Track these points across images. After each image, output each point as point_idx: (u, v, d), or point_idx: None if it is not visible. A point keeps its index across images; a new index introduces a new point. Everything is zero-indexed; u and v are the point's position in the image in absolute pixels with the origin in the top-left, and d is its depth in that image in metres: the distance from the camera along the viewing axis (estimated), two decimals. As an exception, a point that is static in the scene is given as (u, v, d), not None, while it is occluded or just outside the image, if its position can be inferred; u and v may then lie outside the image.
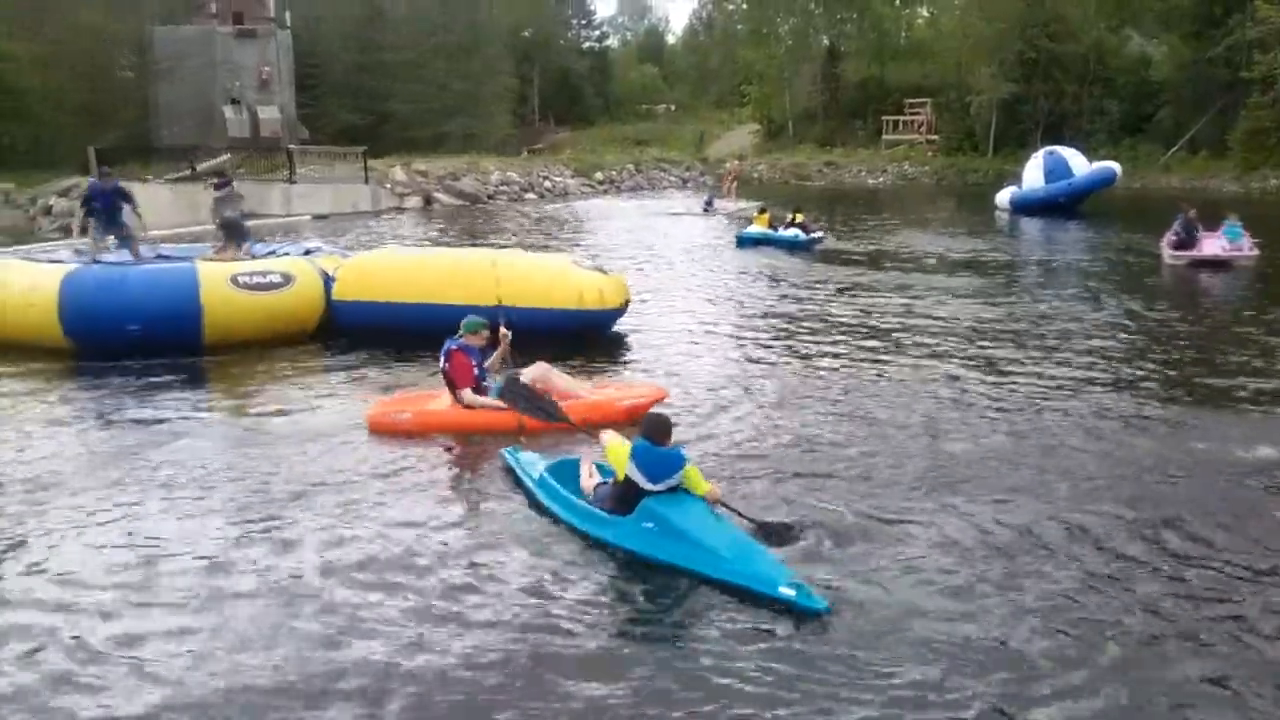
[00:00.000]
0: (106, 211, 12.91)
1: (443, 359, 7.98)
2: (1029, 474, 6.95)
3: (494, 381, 8.04)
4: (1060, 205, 28.87)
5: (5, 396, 9.27)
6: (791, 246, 20.93)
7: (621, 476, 5.72)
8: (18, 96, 42.08)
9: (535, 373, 8.07)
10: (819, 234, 22.19)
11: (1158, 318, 13.12)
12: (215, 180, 14.02)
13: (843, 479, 6.87)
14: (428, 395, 8.51)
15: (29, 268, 10.98)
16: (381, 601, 5.16)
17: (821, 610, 4.86)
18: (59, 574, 5.54)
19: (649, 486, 5.61)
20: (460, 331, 8.06)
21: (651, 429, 5.72)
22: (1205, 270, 16.79)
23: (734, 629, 4.87)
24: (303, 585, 5.38)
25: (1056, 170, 29.20)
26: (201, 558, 5.72)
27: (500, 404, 7.63)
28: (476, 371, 8.00)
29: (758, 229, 21.98)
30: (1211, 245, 17.03)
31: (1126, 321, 12.79)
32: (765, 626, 4.87)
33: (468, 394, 7.95)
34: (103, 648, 4.76)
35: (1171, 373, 10.05)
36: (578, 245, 22.07)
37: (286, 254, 12.33)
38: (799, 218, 21.92)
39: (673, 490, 5.62)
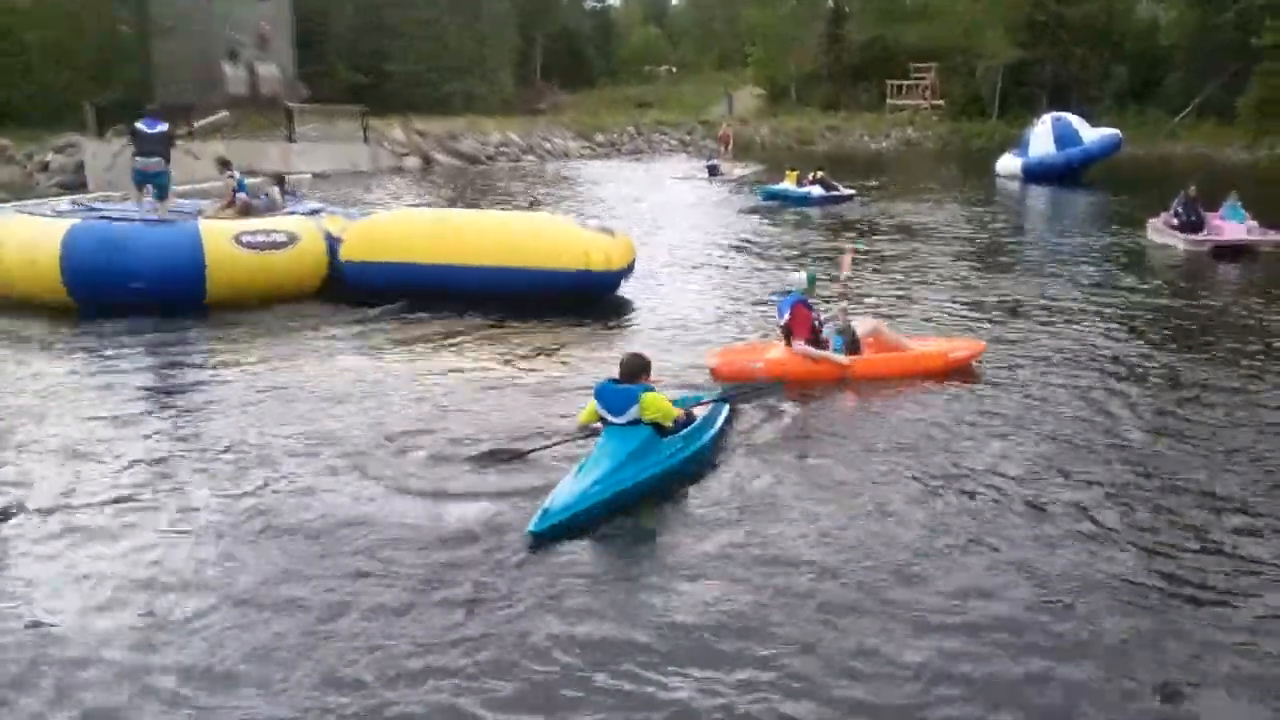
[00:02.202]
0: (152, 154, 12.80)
1: (784, 311, 8.34)
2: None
3: (833, 335, 8.46)
4: (1071, 172, 28.62)
5: (6, 349, 9.21)
6: (805, 201, 21.96)
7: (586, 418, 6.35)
8: (16, 53, 41.70)
9: (868, 327, 8.64)
10: (848, 192, 23.00)
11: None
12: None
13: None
14: (767, 345, 8.81)
15: (31, 222, 10.88)
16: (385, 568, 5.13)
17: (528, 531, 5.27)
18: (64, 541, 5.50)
19: (612, 420, 6.10)
20: (801, 285, 8.43)
21: (621, 368, 6.26)
22: (1226, 256, 15.29)
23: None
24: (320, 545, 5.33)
25: (1066, 136, 28.83)
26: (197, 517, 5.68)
27: (829, 355, 8.30)
28: (816, 323, 8.39)
29: (782, 185, 23.09)
30: (1235, 229, 15.74)
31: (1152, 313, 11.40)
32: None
33: (800, 344, 8.29)
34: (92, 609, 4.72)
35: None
36: (578, 207, 21.96)
37: (292, 213, 12.20)
38: (819, 175, 22.94)
39: (633, 423, 6.05)
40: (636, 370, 6.23)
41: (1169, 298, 12.33)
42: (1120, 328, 10.45)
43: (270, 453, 6.67)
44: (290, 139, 33.15)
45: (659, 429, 6.15)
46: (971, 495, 6.00)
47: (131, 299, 10.06)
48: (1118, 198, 24.69)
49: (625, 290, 12.06)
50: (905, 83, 53.80)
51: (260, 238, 10.71)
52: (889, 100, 53.82)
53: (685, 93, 63.06)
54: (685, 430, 6.38)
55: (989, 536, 5.44)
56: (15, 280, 10.46)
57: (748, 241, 17.14)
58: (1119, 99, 44.15)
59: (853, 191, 23.54)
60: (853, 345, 8.44)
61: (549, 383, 8.35)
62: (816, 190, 22.63)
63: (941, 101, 51.68)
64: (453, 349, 9.50)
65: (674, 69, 72.07)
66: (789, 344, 8.38)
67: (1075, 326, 10.44)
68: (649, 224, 18.75)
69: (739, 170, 31.77)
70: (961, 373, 8.48)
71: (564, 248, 11.22)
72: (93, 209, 12.31)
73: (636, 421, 6.06)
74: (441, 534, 5.44)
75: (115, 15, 47.97)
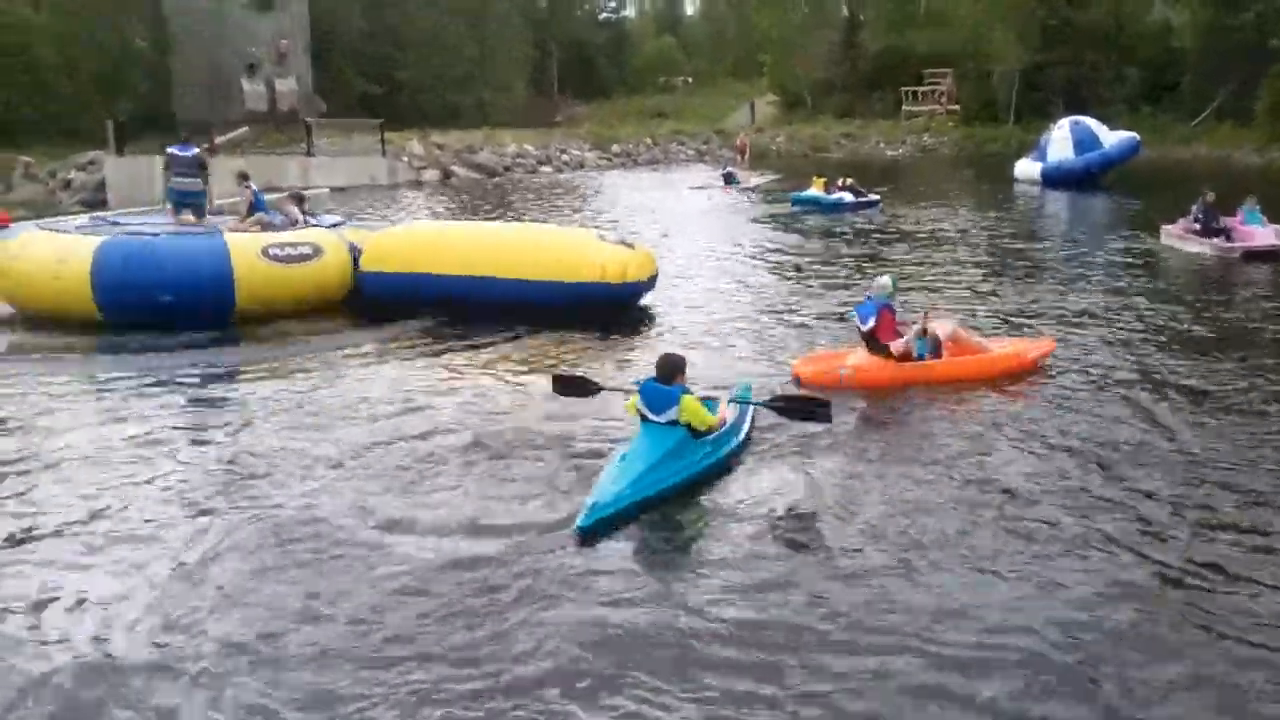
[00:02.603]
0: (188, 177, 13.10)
1: (869, 318, 8.41)
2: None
3: (915, 340, 8.53)
4: (1090, 177, 28.52)
5: (38, 365, 9.38)
6: (840, 208, 22.40)
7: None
8: (37, 70, 42.14)
9: (947, 330, 8.71)
10: (874, 198, 23.50)
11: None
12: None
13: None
14: (845, 353, 8.89)
15: (61, 239, 11.03)
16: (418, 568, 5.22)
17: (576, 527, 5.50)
18: (99, 545, 5.63)
19: (652, 417, 6.33)
20: (886, 290, 8.54)
21: (658, 368, 6.45)
22: (1255, 260, 14.90)
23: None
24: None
25: (1085, 141, 28.69)
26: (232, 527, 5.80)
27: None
28: (898, 329, 8.53)
29: (812, 192, 23.41)
30: (1265, 234, 15.34)
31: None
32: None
33: (900, 345, 8.42)
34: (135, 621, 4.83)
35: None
36: (595, 218, 22.09)
37: (315, 225, 12.38)
38: (848, 181, 23.53)
39: (671, 422, 6.28)
40: (672, 370, 6.43)
41: (1206, 304, 12.09)
42: (1158, 335, 10.30)
43: (298, 461, 6.79)
44: (309, 154, 33.37)
45: (692, 431, 6.37)
46: (1007, 505, 6.00)
47: (160, 313, 10.23)
48: (1137, 202, 24.54)
49: (647, 300, 12.10)
50: (920, 89, 53.79)
51: (287, 250, 10.88)
52: (904, 107, 53.80)
53: (701, 103, 63.21)
54: (717, 434, 6.58)
55: (1018, 552, 5.38)
56: (46, 295, 10.62)
57: (768, 249, 17.23)
58: (1132, 103, 43.93)
59: (878, 196, 23.86)
60: (935, 350, 8.58)
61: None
62: (848, 196, 23.08)
63: (956, 107, 51.63)
64: (474, 359, 9.61)
65: (689, 79, 72.22)
66: (870, 350, 8.48)
67: (1112, 334, 10.32)
68: (666, 233, 18.86)
69: (755, 179, 31.86)
70: (1013, 379, 8.54)
71: (582, 260, 11.32)
72: (115, 223, 12.51)
73: (674, 422, 6.30)
74: (473, 540, 5.54)
75: (131, 32, 48.52)
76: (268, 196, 13.60)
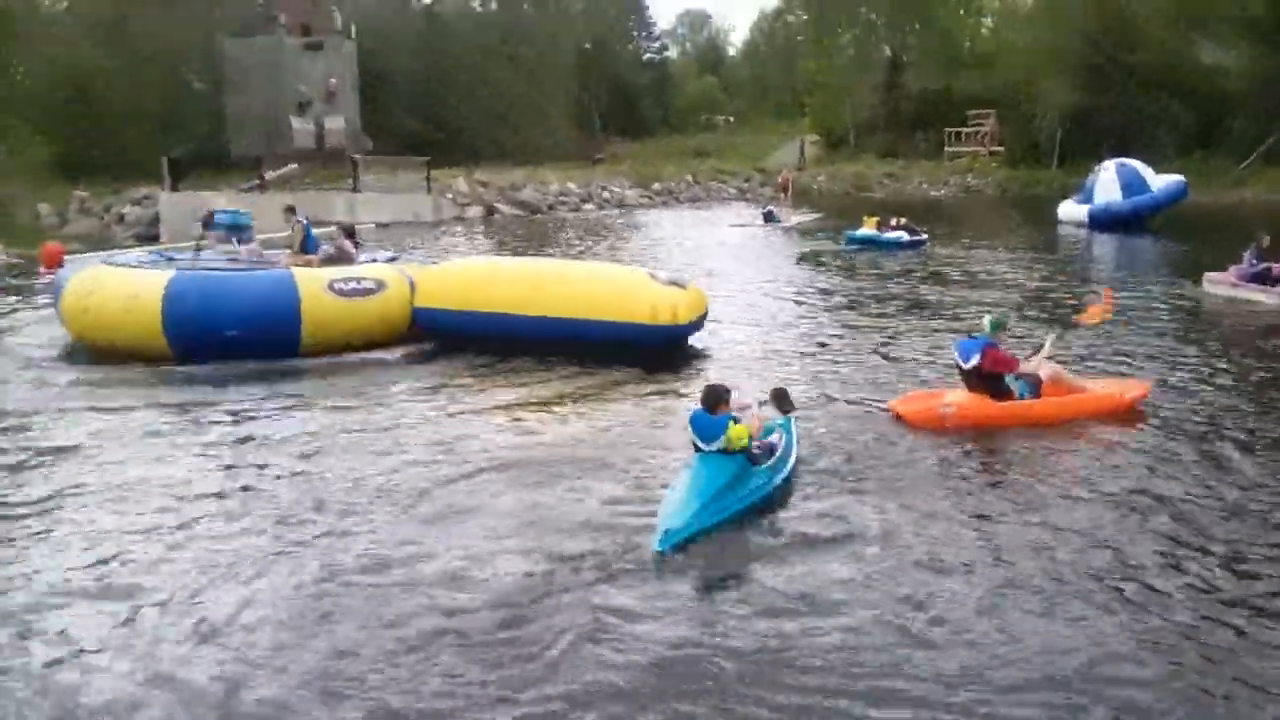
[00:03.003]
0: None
1: (973, 356, 8.45)
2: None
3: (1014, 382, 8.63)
4: (1137, 220, 28.27)
5: (108, 397, 9.59)
6: (896, 246, 22.74)
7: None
8: (99, 109, 43.28)
9: (1048, 371, 8.77)
10: (924, 236, 23.85)
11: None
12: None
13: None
14: (941, 392, 8.95)
15: (131, 274, 11.28)
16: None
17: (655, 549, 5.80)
18: (171, 572, 5.76)
19: (703, 447, 6.61)
20: (988, 329, 8.63)
21: (704, 399, 6.71)
22: None
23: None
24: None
25: (1133, 183, 28.43)
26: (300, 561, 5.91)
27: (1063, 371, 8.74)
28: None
29: (866, 231, 23.74)
30: None
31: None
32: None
33: (1031, 363, 8.66)
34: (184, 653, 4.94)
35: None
36: (636, 256, 22.27)
37: (374, 261, 12.60)
38: (902, 221, 23.89)
39: (721, 450, 6.53)
40: (715, 400, 6.68)
41: (1270, 353, 11.62)
42: (1227, 387, 9.94)
43: (353, 493, 6.93)
44: (355, 190, 33.93)
45: (750, 457, 6.72)
46: (1089, 550, 5.97)
47: (228, 347, 10.43)
48: (1185, 246, 24.23)
49: (695, 339, 12.09)
50: (964, 130, 53.80)
51: (351, 285, 11.08)
52: (947, 148, 53.81)
53: (742, 142, 63.58)
54: (772, 460, 6.93)
55: (1060, 604, 5.30)
56: (118, 331, 10.85)
57: (811, 287, 17.34)
58: (1182, 145, 43.58)
59: (926, 235, 24.08)
60: (1035, 390, 8.67)
61: (625, 426, 8.59)
62: (904, 235, 23.41)
63: (1000, 148, 51.55)
64: (525, 395, 9.68)
65: (731, 119, 72.71)
66: (970, 388, 8.59)
67: (1179, 382, 10.07)
68: (710, 271, 18.93)
69: (796, 217, 32.03)
70: (1105, 420, 8.54)
71: (634, 300, 11.26)
72: (172, 258, 12.83)
73: (725, 450, 6.54)
74: (521, 570, 5.64)
75: (189, 74, 49.75)
76: (315, 230, 13.90)
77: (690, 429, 6.70)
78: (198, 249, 13.56)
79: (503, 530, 6.24)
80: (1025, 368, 8.60)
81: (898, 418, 8.59)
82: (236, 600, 5.37)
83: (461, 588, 5.47)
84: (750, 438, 6.69)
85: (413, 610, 5.23)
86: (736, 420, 6.65)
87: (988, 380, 8.48)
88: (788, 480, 6.97)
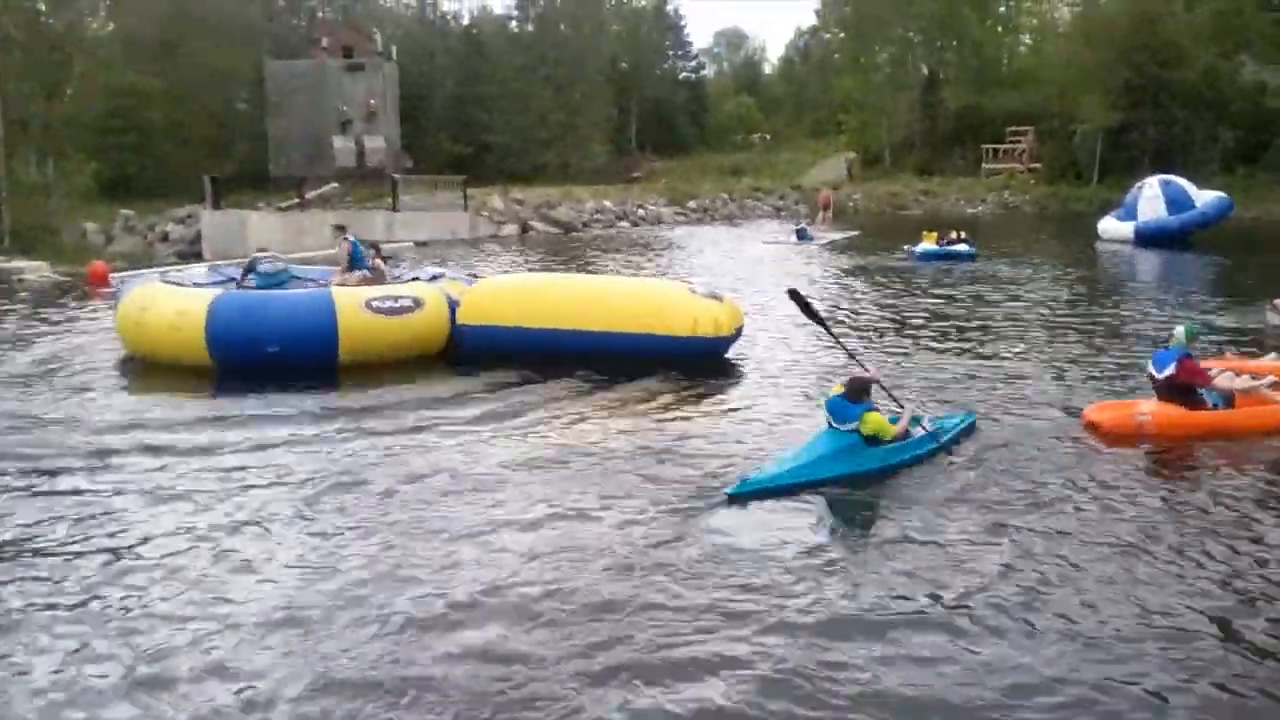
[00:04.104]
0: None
1: (1168, 366, 8.59)
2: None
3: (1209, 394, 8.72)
4: (1182, 236, 27.93)
5: (159, 410, 9.76)
6: (958, 258, 23.75)
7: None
8: (145, 131, 44.14)
9: (1242, 384, 8.81)
10: (973, 249, 24.75)
11: None
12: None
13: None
14: (1134, 402, 9.03)
15: (178, 292, 11.61)
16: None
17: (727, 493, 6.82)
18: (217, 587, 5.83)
19: (836, 426, 7.52)
20: (1182, 339, 8.73)
21: (846, 387, 7.68)
22: None
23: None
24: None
25: (1178, 200, 28.09)
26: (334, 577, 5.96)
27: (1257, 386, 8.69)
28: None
29: (927, 245, 24.68)
30: None
31: None
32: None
33: (1225, 378, 8.71)
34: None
35: None
36: (669, 271, 22.34)
37: (415, 279, 12.75)
38: (961, 234, 25.01)
39: (853, 430, 7.44)
40: (859, 390, 7.63)
41: None
42: None
43: (397, 509, 6.98)
44: (394, 208, 34.26)
45: (872, 440, 7.48)
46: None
47: (268, 362, 10.62)
48: (1235, 263, 23.84)
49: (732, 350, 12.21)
50: (1001, 146, 53.48)
51: (389, 303, 11.23)
52: (984, 164, 53.50)
53: (779, 160, 63.53)
54: (891, 446, 7.59)
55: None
56: (165, 346, 11.16)
57: (848, 301, 17.41)
58: (1226, 162, 43.11)
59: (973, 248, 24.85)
60: (1229, 402, 8.72)
61: (675, 440, 8.63)
62: (964, 248, 24.29)
63: (1038, 165, 51.18)
64: (566, 409, 9.73)
65: (768, 136, 72.71)
66: (1163, 398, 8.67)
67: None
68: (742, 285, 18.89)
69: (830, 234, 32.00)
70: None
71: (674, 313, 11.50)
72: (233, 277, 13.17)
73: (854, 431, 7.42)
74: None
75: (234, 96, 50.70)
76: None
77: (825, 409, 7.66)
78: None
79: (543, 546, 6.29)
80: (1219, 383, 8.62)
81: (1092, 426, 8.67)
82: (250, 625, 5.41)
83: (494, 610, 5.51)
84: (890, 432, 7.50)
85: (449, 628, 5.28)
86: (874, 409, 7.56)
87: (1181, 390, 8.57)
88: (909, 463, 7.61)
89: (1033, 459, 7.95)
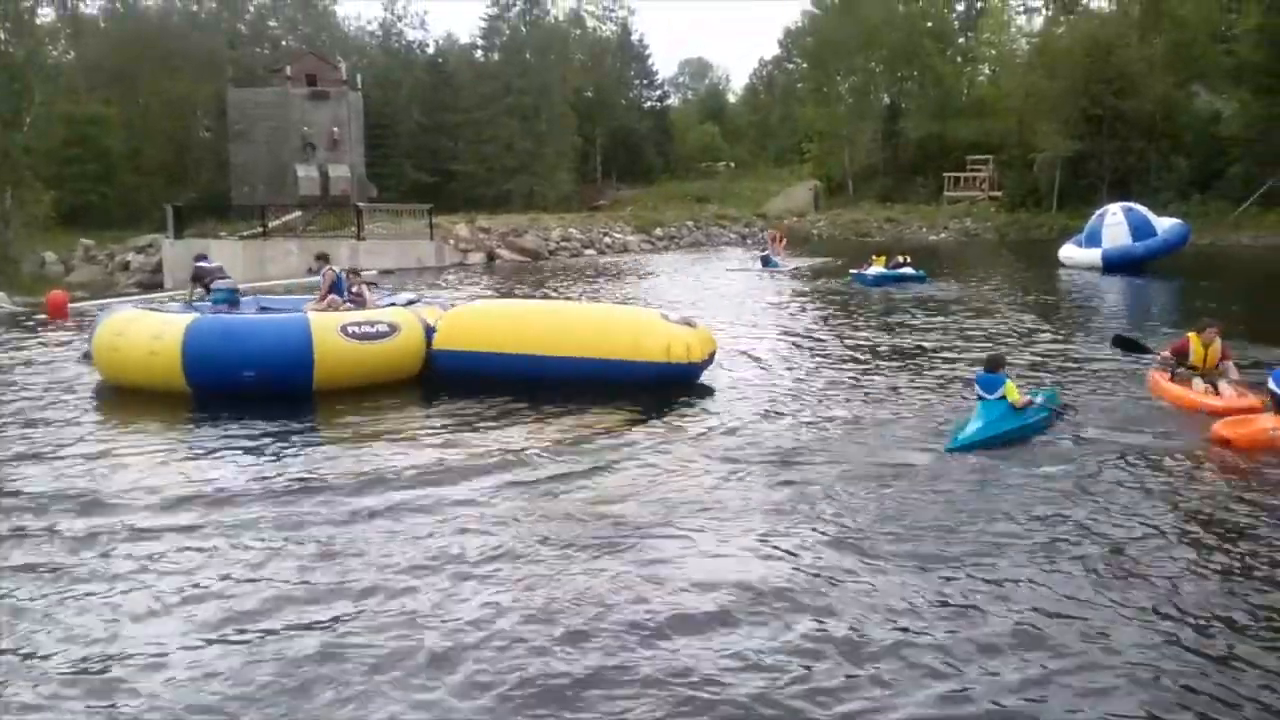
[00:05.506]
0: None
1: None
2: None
3: None
4: (1144, 263, 28.36)
5: (130, 435, 9.63)
6: (905, 280, 24.43)
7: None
8: (105, 159, 43.76)
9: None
10: (923, 273, 25.44)
11: None
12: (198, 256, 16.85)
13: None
14: (1256, 415, 9.17)
15: (153, 318, 11.48)
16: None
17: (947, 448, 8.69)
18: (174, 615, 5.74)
19: (986, 396, 9.24)
20: None
21: (987, 363, 9.56)
22: None
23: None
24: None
25: (1141, 227, 28.60)
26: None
27: None
28: None
29: (879, 269, 25.10)
30: None
31: None
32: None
33: None
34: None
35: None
36: (637, 299, 22.40)
37: (391, 304, 12.71)
38: (906, 258, 25.73)
39: (1001, 398, 9.15)
40: (997, 363, 9.47)
41: None
42: None
43: (371, 534, 6.91)
44: (359, 237, 34.15)
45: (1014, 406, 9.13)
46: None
47: (243, 388, 10.52)
48: (1199, 288, 24.10)
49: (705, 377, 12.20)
50: (962, 175, 54.28)
51: (365, 328, 11.18)
52: (945, 192, 54.26)
53: (743, 188, 64.06)
54: (1027, 411, 9.29)
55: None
56: (141, 371, 11.03)
57: (804, 326, 17.75)
58: (1181, 190, 43.99)
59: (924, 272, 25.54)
60: None
61: (641, 467, 8.57)
62: (910, 270, 24.99)
63: (999, 193, 51.97)
64: (537, 434, 9.68)
65: (732, 164, 73.32)
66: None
67: None
68: (711, 313, 18.93)
69: (794, 262, 32.33)
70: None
71: (648, 339, 11.54)
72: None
73: (1001, 398, 9.11)
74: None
75: (195, 124, 50.36)
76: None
77: (977, 385, 9.41)
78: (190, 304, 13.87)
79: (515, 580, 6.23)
80: None
81: (1225, 442, 8.77)
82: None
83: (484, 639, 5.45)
84: (1018, 398, 9.17)
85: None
86: (1009, 379, 9.27)
87: None
88: (1037, 427, 9.23)
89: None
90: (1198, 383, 10.25)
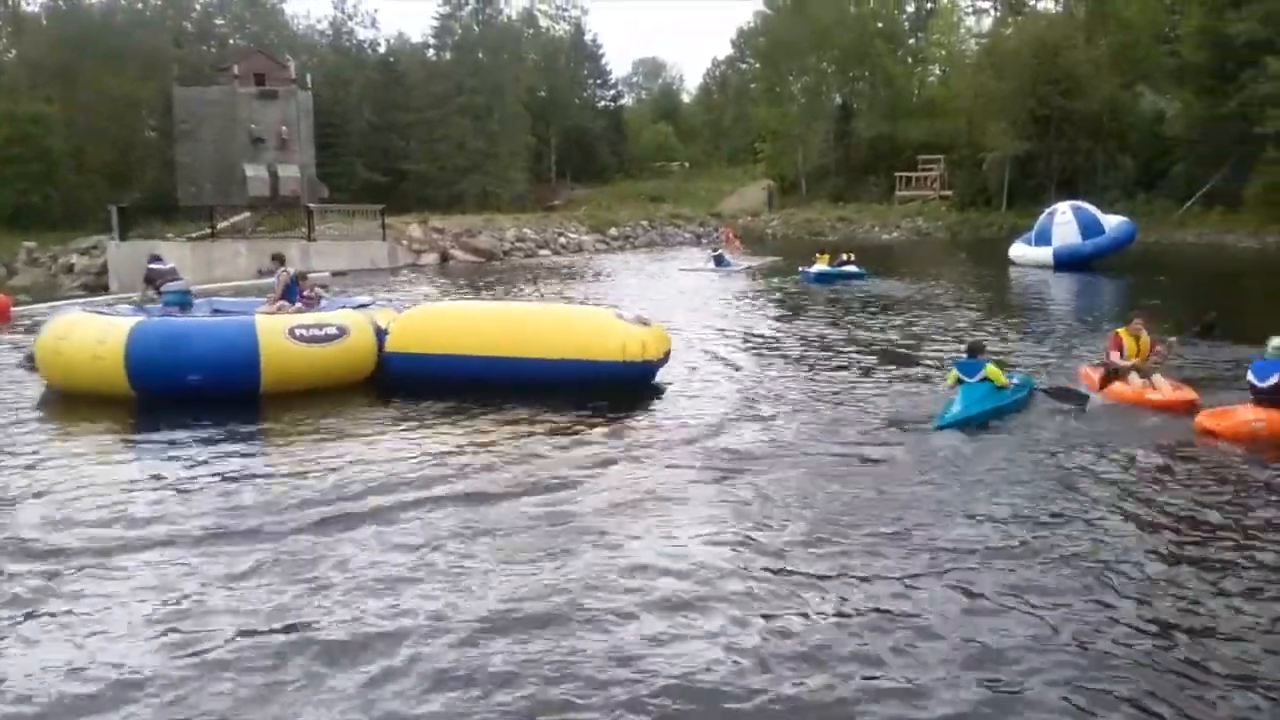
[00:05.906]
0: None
1: (1272, 376, 8.97)
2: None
3: None
4: (1094, 260, 28.78)
5: (73, 441, 9.39)
6: (850, 278, 25.14)
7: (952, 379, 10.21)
8: (48, 159, 42.84)
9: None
10: (863, 270, 26.17)
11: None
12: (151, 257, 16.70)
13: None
14: (1236, 408, 9.26)
15: (97, 321, 11.16)
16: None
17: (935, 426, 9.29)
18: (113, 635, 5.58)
19: (967, 379, 9.86)
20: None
21: (968, 349, 10.32)
22: None
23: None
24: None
25: (1090, 225, 29.07)
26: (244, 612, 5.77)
27: None
28: None
29: (821, 266, 25.87)
30: None
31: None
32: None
33: None
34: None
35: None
36: (594, 299, 22.32)
37: (342, 307, 12.51)
38: (851, 256, 26.70)
39: (982, 380, 9.83)
40: (978, 349, 10.25)
41: None
42: None
43: (324, 540, 6.76)
44: (310, 238, 33.69)
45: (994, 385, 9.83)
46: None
47: (189, 391, 10.29)
48: (1149, 284, 24.43)
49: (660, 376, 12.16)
50: (913, 174, 54.82)
51: (313, 331, 10.96)
52: (897, 192, 54.78)
53: (698, 187, 64.21)
54: (1008, 390, 9.98)
55: None
56: (86, 376, 10.72)
57: (758, 324, 17.86)
58: (1126, 189, 44.77)
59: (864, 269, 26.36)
60: None
61: (598, 466, 8.51)
62: (853, 268, 25.83)
63: (949, 192, 52.54)
64: (491, 435, 9.56)
65: (686, 164, 73.45)
66: (1265, 404, 9.00)
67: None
68: (666, 311, 18.92)
69: (746, 261, 32.47)
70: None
71: (603, 339, 11.49)
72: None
73: (983, 380, 9.77)
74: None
75: (140, 123, 49.44)
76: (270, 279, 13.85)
77: (956, 370, 10.04)
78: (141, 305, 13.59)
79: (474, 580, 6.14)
80: None
81: (1208, 433, 8.94)
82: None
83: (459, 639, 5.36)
84: (1002, 378, 9.89)
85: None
86: (990, 362, 9.99)
87: None
88: (1017, 405, 9.91)
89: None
90: (1134, 378, 10.41)
